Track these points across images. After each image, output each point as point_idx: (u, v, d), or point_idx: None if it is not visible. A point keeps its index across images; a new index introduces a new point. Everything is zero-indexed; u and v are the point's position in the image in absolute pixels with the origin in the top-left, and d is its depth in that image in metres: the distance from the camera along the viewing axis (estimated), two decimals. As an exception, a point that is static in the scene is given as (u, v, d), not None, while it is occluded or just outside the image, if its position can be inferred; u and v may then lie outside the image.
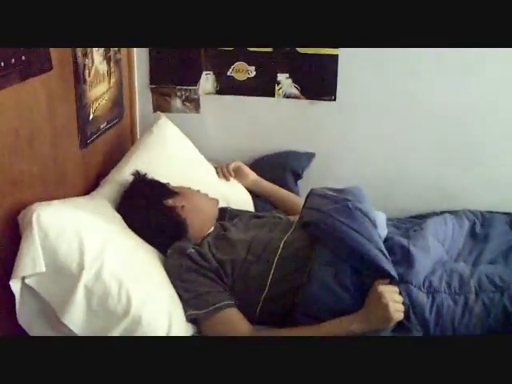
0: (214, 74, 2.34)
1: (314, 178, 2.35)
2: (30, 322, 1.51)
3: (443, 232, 1.79)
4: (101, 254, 1.51)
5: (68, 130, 1.79)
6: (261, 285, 1.65)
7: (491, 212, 2.09)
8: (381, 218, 1.78)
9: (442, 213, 2.11)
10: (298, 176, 2.35)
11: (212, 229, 1.88)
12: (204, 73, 2.34)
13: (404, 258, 1.60)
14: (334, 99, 2.30)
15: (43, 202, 1.53)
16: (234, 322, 1.61)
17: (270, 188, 2.25)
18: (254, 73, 2.31)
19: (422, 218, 2.20)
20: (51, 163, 1.69)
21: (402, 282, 1.54)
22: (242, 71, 2.32)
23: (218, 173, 2.21)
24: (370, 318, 1.49)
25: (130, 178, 1.90)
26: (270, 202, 2.24)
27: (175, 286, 1.65)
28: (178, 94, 2.38)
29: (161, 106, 2.40)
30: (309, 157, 2.37)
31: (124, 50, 2.26)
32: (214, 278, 1.66)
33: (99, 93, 2.00)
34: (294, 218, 1.93)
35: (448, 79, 2.23)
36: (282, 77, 2.31)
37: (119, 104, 2.22)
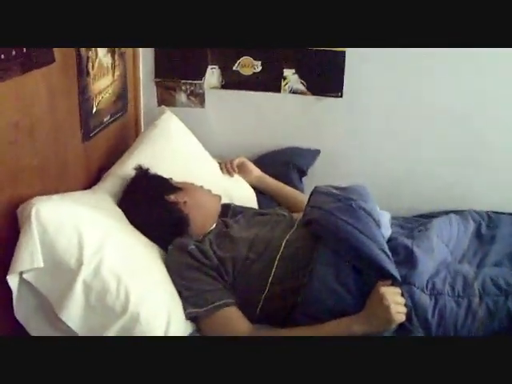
0: (219, 68, 2.32)
1: (319, 175, 2.32)
2: (28, 317, 1.49)
3: (448, 233, 1.76)
4: (100, 250, 1.49)
5: (70, 123, 1.78)
6: (262, 284, 1.63)
7: (497, 213, 2.05)
8: (385, 218, 1.75)
9: (448, 213, 2.09)
10: (302, 173, 2.33)
11: (214, 225, 1.86)
12: (209, 67, 2.32)
13: (407, 258, 1.57)
14: (341, 96, 2.27)
15: (43, 197, 1.51)
16: (233, 320, 1.59)
17: (275, 185, 2.23)
18: (260, 68, 2.29)
19: (427, 217, 2.17)
20: (52, 156, 1.67)
21: (404, 283, 1.51)
22: (248, 66, 2.29)
23: (221, 168, 2.18)
24: (372, 320, 1.46)
25: (133, 173, 1.88)
26: (274, 199, 2.22)
27: (175, 283, 1.63)
28: (183, 88, 2.36)
29: (165, 99, 2.38)
30: (314, 154, 2.34)
31: (129, 43, 2.24)
32: (214, 275, 1.64)
33: (103, 86, 1.99)
34: (298, 216, 1.91)
35: (457, 78, 2.20)
36: (289, 72, 2.28)
37: (123, 97, 2.20)
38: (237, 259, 1.66)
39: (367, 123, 2.31)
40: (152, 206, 1.78)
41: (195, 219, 1.81)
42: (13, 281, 1.44)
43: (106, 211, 1.68)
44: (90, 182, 1.92)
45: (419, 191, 2.35)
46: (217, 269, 1.65)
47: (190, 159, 2.12)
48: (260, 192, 2.22)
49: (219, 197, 1.94)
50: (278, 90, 2.31)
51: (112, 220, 1.65)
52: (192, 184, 1.91)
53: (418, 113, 2.27)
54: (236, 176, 2.18)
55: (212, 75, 2.32)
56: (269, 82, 2.30)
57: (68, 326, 1.44)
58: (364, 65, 2.20)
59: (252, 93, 2.32)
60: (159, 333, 1.48)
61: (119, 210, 1.77)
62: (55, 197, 1.55)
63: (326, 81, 2.26)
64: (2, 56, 1.34)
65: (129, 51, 2.25)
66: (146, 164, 1.91)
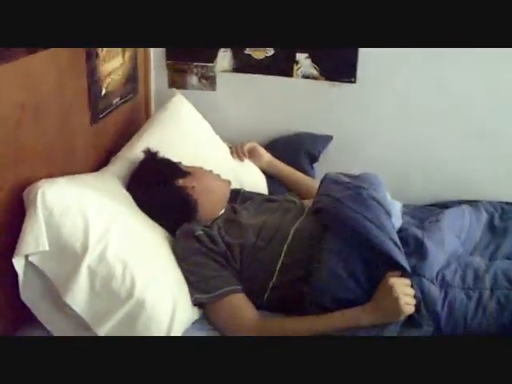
0: (231, 51, 2.28)
1: (331, 162, 2.29)
2: (35, 300, 1.49)
3: (460, 224, 1.73)
4: (106, 234, 1.48)
5: (78, 105, 1.76)
6: (269, 271, 1.61)
7: (511, 204, 2.02)
8: (396, 208, 1.73)
9: (461, 202, 2.06)
10: (314, 159, 2.29)
11: (223, 211, 1.84)
12: (221, 50, 2.28)
13: (417, 249, 1.55)
14: (354, 81, 2.23)
15: (49, 179, 1.50)
16: (240, 307, 1.58)
17: (286, 170, 2.20)
18: (272, 51, 2.24)
19: (439, 206, 2.14)
20: (59, 139, 1.66)
21: (414, 274, 1.49)
22: (260, 49, 2.25)
23: (232, 153, 2.16)
24: (380, 311, 1.44)
25: (142, 156, 1.86)
26: (285, 185, 2.19)
27: (182, 269, 1.62)
28: (195, 70, 2.33)
29: (176, 82, 2.35)
30: (326, 139, 2.31)
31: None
32: (221, 261, 1.63)
33: (113, 67, 1.96)
34: (308, 202, 1.88)
35: (476, 65, 2.14)
36: (301, 56, 2.24)
37: (133, 79, 2.18)
38: (245, 246, 1.64)
39: (380, 110, 2.26)
40: (160, 190, 1.76)
41: (204, 204, 1.79)
42: (18, 263, 1.43)
43: (113, 194, 1.66)
44: (99, 164, 1.91)
45: (432, 179, 2.31)
46: (224, 255, 1.63)
47: (200, 143, 2.10)
48: (270, 177, 2.20)
49: (228, 182, 1.92)
50: (290, 74, 2.27)
51: (119, 204, 1.63)
52: (201, 168, 1.89)
53: (432, 100, 2.22)
54: (246, 161, 2.16)
55: (223, 58, 2.29)
56: (281, 66, 2.26)
57: (73, 310, 1.43)
58: (379, 50, 2.15)
59: (264, 77, 2.28)
60: (165, 319, 1.46)
61: (127, 194, 1.75)
62: (61, 179, 1.53)
63: (339, 66, 2.22)
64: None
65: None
66: (155, 147, 1.88)
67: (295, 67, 2.26)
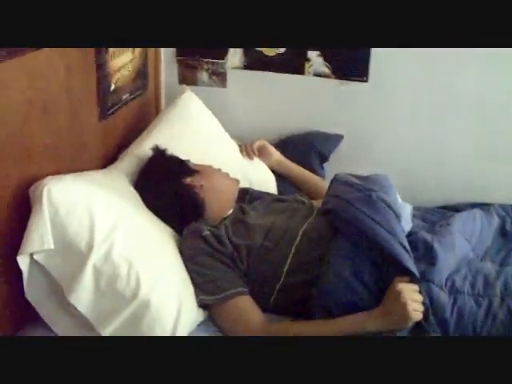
0: (242, 48, 2.25)
1: (341, 161, 2.26)
2: (39, 298, 1.47)
3: (471, 228, 1.70)
4: (112, 233, 1.46)
5: (87, 100, 1.74)
6: (276, 273, 1.60)
7: (525, 208, 1.98)
8: (406, 211, 1.70)
9: (473, 205, 2.03)
10: (324, 158, 2.27)
11: (231, 211, 1.82)
12: (232, 46, 2.26)
13: (427, 254, 1.52)
14: (366, 80, 2.20)
15: (55, 176, 1.48)
16: (246, 310, 1.56)
17: (295, 169, 2.18)
18: (283, 49, 2.22)
19: (450, 209, 2.11)
20: (67, 135, 1.64)
21: (423, 280, 1.46)
22: (271, 46, 2.23)
23: (241, 151, 2.14)
24: (387, 317, 1.42)
25: (150, 153, 1.84)
26: (294, 184, 2.17)
27: (188, 269, 1.60)
28: (205, 67, 2.31)
29: (187, 78, 2.33)
30: (337, 139, 2.28)
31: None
32: (228, 262, 1.61)
33: (122, 63, 1.94)
34: (318, 203, 1.86)
35: (489, 65, 2.10)
36: (313, 54, 2.21)
37: (143, 75, 2.16)
38: (252, 247, 1.62)
39: (392, 110, 2.23)
40: (167, 188, 1.74)
41: (211, 203, 1.77)
42: (23, 261, 1.42)
43: (120, 192, 1.65)
44: (107, 161, 1.89)
45: (443, 181, 2.27)
46: (231, 256, 1.61)
47: (210, 140, 2.08)
48: (280, 176, 2.17)
49: (237, 181, 1.90)
50: (301, 72, 2.24)
51: (126, 202, 1.62)
52: (210, 167, 1.87)
53: (445, 100, 2.18)
54: (256, 159, 2.14)
55: (234, 55, 2.26)
56: (292, 63, 2.23)
57: (77, 310, 1.42)
58: (391, 50, 2.11)
59: (274, 74, 2.26)
60: (169, 320, 1.45)
61: (134, 192, 1.73)
62: (68, 177, 1.51)
63: (351, 64, 2.19)
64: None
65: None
66: (164, 144, 1.87)
67: (307, 65, 2.23)
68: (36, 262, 1.43)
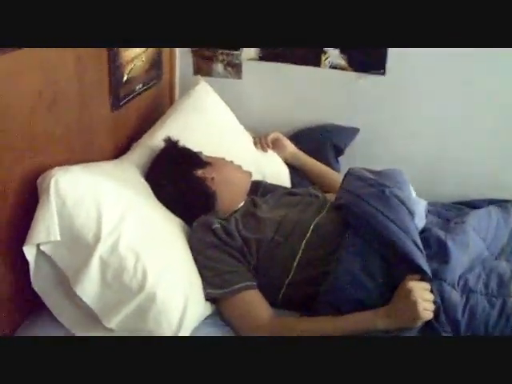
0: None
1: (356, 156, 2.24)
2: (45, 288, 1.46)
3: (486, 226, 1.65)
4: (119, 225, 1.45)
5: (98, 91, 1.73)
6: (286, 268, 1.57)
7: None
8: (420, 207, 1.66)
9: (490, 202, 1.99)
10: (339, 152, 2.24)
11: (242, 203, 1.80)
12: (248, 37, 2.23)
13: (440, 252, 1.48)
14: (383, 73, 2.16)
15: (63, 167, 1.46)
16: (254, 305, 1.54)
17: (309, 162, 2.15)
18: (299, 41, 2.19)
19: (467, 205, 2.06)
20: (77, 126, 1.63)
21: (435, 278, 1.42)
22: (288, 38, 2.19)
23: (255, 143, 2.12)
24: (397, 315, 1.38)
25: (162, 144, 1.82)
26: (308, 177, 2.15)
27: (197, 262, 1.59)
28: (220, 58, 2.29)
29: (201, 69, 2.32)
30: (352, 132, 2.25)
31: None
32: (237, 256, 1.59)
33: (135, 53, 1.92)
34: (331, 197, 1.83)
35: (506, 63, 2.06)
36: (330, 46, 2.18)
37: (157, 66, 2.14)
38: (262, 241, 1.60)
39: (410, 103, 2.20)
40: (179, 180, 1.73)
41: (223, 196, 1.76)
42: (29, 252, 1.41)
43: (130, 183, 1.63)
44: (119, 152, 1.88)
45: (460, 176, 2.24)
46: (241, 250, 1.60)
47: (224, 132, 2.06)
48: (294, 169, 2.15)
49: (250, 173, 1.88)
50: (317, 64, 2.21)
51: (135, 193, 1.60)
52: (222, 159, 1.85)
53: (465, 97, 2.14)
54: (270, 152, 2.12)
55: (250, 46, 2.24)
56: (308, 55, 2.21)
57: (83, 301, 1.41)
58: (410, 42, 2.08)
59: (290, 66, 2.23)
60: (176, 314, 1.43)
61: (145, 183, 1.72)
62: (76, 168, 1.50)
63: (368, 57, 2.15)
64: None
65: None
66: (177, 135, 1.85)
67: (323, 57, 2.20)
68: (43, 252, 1.42)
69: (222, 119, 2.09)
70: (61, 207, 1.40)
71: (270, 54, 2.23)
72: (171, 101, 2.33)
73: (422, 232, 1.56)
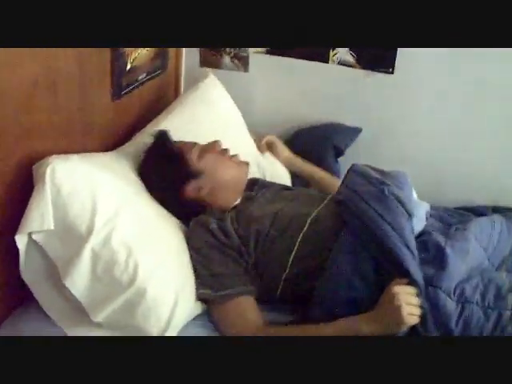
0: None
1: (360, 156, 2.17)
2: (35, 279, 1.45)
3: (488, 235, 1.62)
4: (114, 218, 1.43)
5: (100, 79, 1.70)
6: (282, 263, 1.54)
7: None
8: (422, 209, 1.63)
9: (495, 209, 1.95)
10: (339, 152, 2.20)
11: (239, 200, 1.77)
12: (256, 30, 2.20)
13: (437, 258, 1.45)
14: (392, 72, 2.12)
15: (61, 155, 1.44)
16: (245, 312, 1.50)
17: (306, 168, 2.12)
18: (308, 34, 2.15)
19: (471, 211, 2.02)
20: (77, 114, 1.60)
21: (430, 285, 1.40)
22: (296, 32, 2.16)
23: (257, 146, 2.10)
24: (381, 320, 1.35)
25: (149, 144, 1.74)
26: (306, 182, 2.12)
27: (193, 260, 1.56)
28: (227, 50, 2.25)
29: (208, 60, 2.29)
30: (355, 132, 2.21)
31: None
32: (235, 256, 1.56)
33: (140, 42, 1.90)
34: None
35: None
36: (339, 42, 2.14)
37: (163, 55, 2.11)
38: (260, 233, 1.57)
39: (417, 104, 2.16)
40: (169, 194, 1.67)
41: (217, 200, 1.71)
42: (21, 241, 1.39)
43: (127, 178, 1.61)
44: (119, 142, 1.84)
45: (467, 181, 2.19)
46: (238, 249, 1.57)
47: (228, 128, 2.03)
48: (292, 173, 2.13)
49: (246, 165, 1.80)
50: (325, 60, 2.17)
51: (131, 188, 1.58)
52: (215, 154, 1.73)
53: (476, 100, 2.10)
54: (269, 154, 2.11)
55: (258, 39, 2.20)
56: (317, 50, 2.17)
57: (72, 294, 1.39)
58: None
59: (298, 61, 2.19)
60: (165, 311, 1.41)
61: (142, 175, 1.70)
62: (74, 157, 1.47)
63: (377, 55, 2.11)
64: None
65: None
66: (182, 126, 1.83)
67: (331, 53, 2.16)
68: (34, 242, 1.40)
69: (228, 115, 2.06)
70: (55, 196, 1.38)
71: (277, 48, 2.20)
72: (176, 92, 2.31)
73: (422, 235, 1.54)
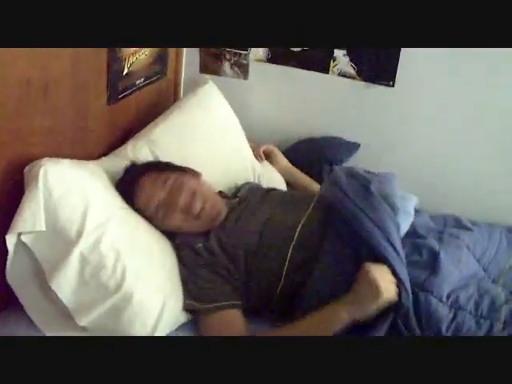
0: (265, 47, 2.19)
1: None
2: (20, 281, 1.43)
3: (482, 247, 1.62)
4: (104, 224, 1.42)
5: (95, 83, 1.69)
6: (277, 275, 1.53)
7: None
8: (409, 204, 1.63)
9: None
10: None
11: (222, 217, 1.66)
12: (257, 39, 2.19)
13: (430, 262, 1.46)
14: (393, 85, 2.10)
15: (53, 159, 1.44)
16: (230, 326, 1.48)
17: (301, 180, 2.11)
18: (309, 44, 2.14)
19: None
20: (70, 117, 1.59)
21: (422, 289, 1.41)
22: (297, 41, 2.15)
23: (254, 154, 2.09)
24: (359, 299, 1.35)
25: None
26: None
27: (180, 271, 1.55)
28: (228, 56, 2.24)
29: (208, 67, 2.28)
30: (352, 148, 2.19)
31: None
32: (224, 274, 1.54)
33: (138, 46, 1.89)
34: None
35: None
36: (340, 53, 2.12)
37: (162, 61, 2.10)
38: (249, 251, 1.55)
39: (417, 118, 2.13)
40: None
41: (193, 230, 1.63)
42: (11, 241, 1.38)
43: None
44: (114, 146, 1.83)
45: (467, 196, 2.16)
46: (226, 267, 1.54)
47: (226, 136, 2.01)
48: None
49: (219, 207, 1.66)
50: (326, 70, 2.16)
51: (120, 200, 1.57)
52: (179, 213, 1.60)
53: (476, 114, 2.07)
54: (266, 162, 2.09)
55: (258, 47, 2.19)
56: (317, 60, 2.15)
57: (58, 298, 1.37)
58: (421, 55, 2.01)
59: (298, 70, 2.18)
60: (151, 317, 1.40)
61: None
62: (67, 161, 1.47)
63: (378, 67, 2.10)
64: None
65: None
66: (179, 130, 1.83)
67: (332, 64, 2.15)
68: (22, 243, 1.39)
69: (225, 121, 2.05)
70: (47, 198, 1.37)
71: (277, 57, 2.19)
72: (175, 97, 2.30)
73: (417, 237, 1.55)
